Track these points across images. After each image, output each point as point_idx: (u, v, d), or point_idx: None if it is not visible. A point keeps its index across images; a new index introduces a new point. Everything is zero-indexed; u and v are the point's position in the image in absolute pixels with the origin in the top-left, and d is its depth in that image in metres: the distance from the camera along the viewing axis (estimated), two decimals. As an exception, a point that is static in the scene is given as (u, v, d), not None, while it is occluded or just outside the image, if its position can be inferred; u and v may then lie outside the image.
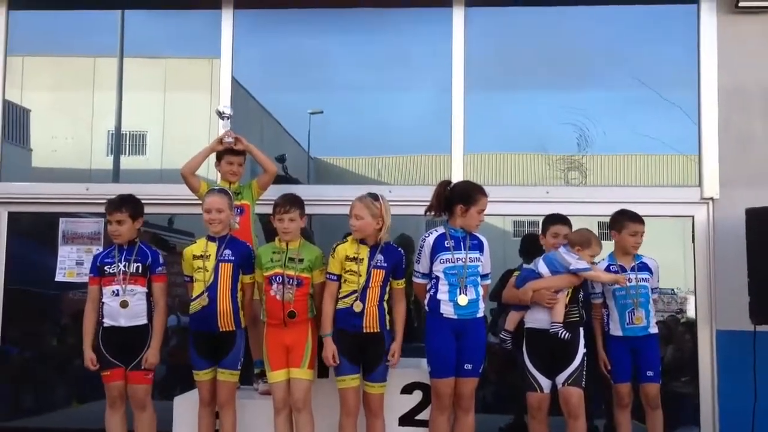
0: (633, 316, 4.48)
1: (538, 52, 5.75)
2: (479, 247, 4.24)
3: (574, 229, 4.52)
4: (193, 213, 5.25)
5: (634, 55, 5.66)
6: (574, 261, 4.29)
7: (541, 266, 4.37)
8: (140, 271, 4.37)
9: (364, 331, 4.11)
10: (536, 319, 4.35)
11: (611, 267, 4.59)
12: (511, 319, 4.46)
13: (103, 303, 4.34)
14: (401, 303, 4.23)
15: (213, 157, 4.92)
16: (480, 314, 4.20)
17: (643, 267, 4.59)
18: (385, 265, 4.15)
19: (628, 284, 4.49)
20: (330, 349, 4.12)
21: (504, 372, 5.88)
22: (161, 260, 4.44)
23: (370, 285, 4.12)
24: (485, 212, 4.27)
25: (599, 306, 4.64)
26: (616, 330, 4.54)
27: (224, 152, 4.81)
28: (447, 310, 4.14)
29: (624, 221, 4.60)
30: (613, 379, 4.58)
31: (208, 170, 5.22)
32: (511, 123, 5.81)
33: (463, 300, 4.12)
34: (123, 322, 4.30)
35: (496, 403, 5.85)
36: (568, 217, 4.59)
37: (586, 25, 5.77)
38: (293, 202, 4.22)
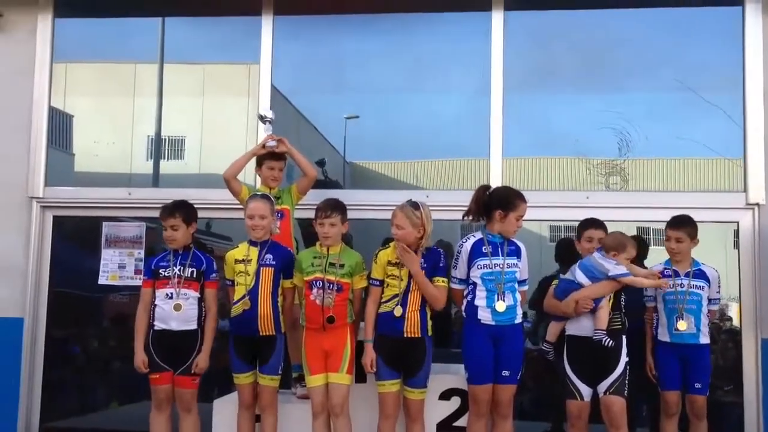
0: (677, 322, 4.40)
1: (578, 54, 5.69)
2: (517, 252, 4.22)
3: (609, 232, 4.46)
4: (231, 218, 5.34)
5: (677, 57, 5.58)
6: (612, 267, 4.23)
7: (579, 275, 4.30)
8: (194, 276, 4.41)
9: (405, 335, 4.11)
10: (578, 327, 4.29)
11: (665, 271, 4.52)
12: (552, 331, 4.41)
13: (155, 306, 4.39)
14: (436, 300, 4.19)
15: (253, 162, 4.96)
16: (518, 320, 4.18)
17: (700, 274, 4.50)
18: (425, 266, 4.15)
19: (669, 288, 4.40)
20: (369, 355, 4.13)
21: (542, 379, 5.83)
22: (215, 267, 4.47)
23: (411, 289, 4.12)
24: (524, 218, 4.24)
25: (651, 309, 4.57)
26: (663, 335, 4.47)
27: (265, 157, 4.84)
28: (485, 316, 4.12)
29: (666, 226, 4.53)
30: (660, 386, 4.51)
31: (246, 176, 5.32)
32: (550, 127, 5.74)
33: (500, 306, 4.10)
34: (174, 326, 4.35)
35: (535, 410, 5.79)
36: (604, 222, 4.52)
37: (628, 28, 5.69)
38: (335, 207, 4.24)
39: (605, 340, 4.14)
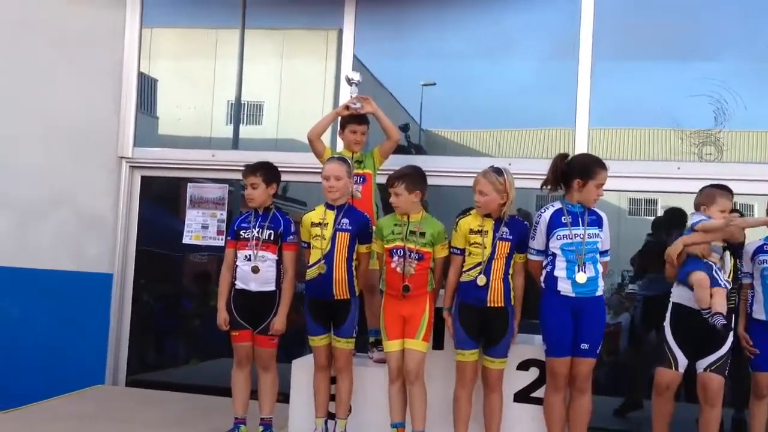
0: None
1: (672, 18, 5.40)
2: (598, 222, 4.08)
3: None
4: (308, 181, 5.38)
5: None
6: (691, 220, 4.09)
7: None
8: (272, 238, 4.44)
9: (489, 305, 4.07)
10: (687, 297, 4.10)
11: (765, 246, 4.31)
12: (703, 296, 3.94)
13: (236, 266, 4.46)
14: (521, 277, 4.16)
15: (334, 126, 4.96)
16: (599, 292, 4.06)
17: None
18: (511, 237, 4.08)
19: None
20: (448, 323, 4.15)
21: (618, 353, 5.72)
22: (293, 228, 4.47)
23: (495, 257, 4.06)
24: (606, 187, 4.10)
25: (747, 286, 4.37)
26: (759, 313, 4.26)
27: (348, 120, 4.82)
28: (564, 287, 4.03)
29: None
30: (751, 366, 4.32)
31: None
32: (640, 96, 5.48)
33: (581, 278, 3.99)
34: (253, 287, 4.41)
35: (610, 384, 5.68)
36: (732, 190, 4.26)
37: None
38: (399, 176, 4.18)
39: (719, 323, 3.88)
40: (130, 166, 6.11)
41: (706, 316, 3.92)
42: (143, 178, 6.13)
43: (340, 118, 4.92)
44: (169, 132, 6.53)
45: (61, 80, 6.23)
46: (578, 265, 4.00)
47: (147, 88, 6.45)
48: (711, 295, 3.93)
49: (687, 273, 4.04)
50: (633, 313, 5.70)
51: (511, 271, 4.12)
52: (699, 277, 3.98)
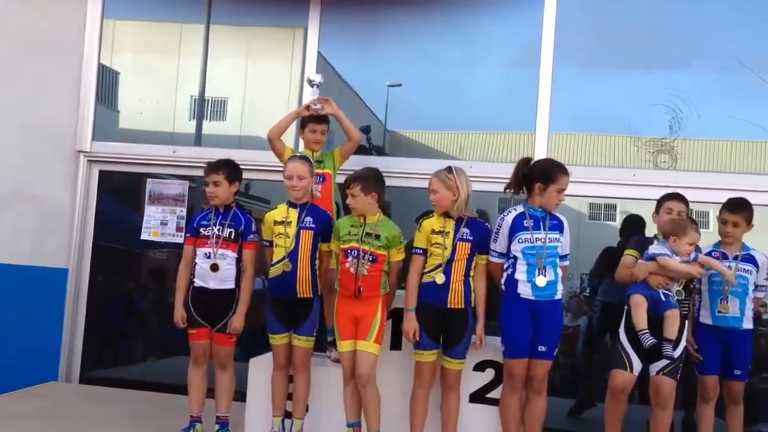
0: (721, 305, 4.31)
1: (631, 29, 5.51)
2: (559, 227, 4.15)
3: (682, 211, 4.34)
4: (271, 180, 5.37)
5: (736, 36, 5.38)
6: (654, 248, 4.15)
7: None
8: (233, 236, 4.41)
9: (449, 306, 4.09)
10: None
11: (713, 253, 4.41)
12: (640, 317, 4.09)
13: (195, 264, 4.42)
14: (483, 281, 4.17)
15: (296, 125, 4.95)
16: (558, 296, 4.13)
17: (749, 259, 4.38)
18: (471, 238, 4.12)
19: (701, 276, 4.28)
20: (412, 325, 4.11)
21: (573, 355, 5.82)
22: (254, 228, 4.46)
23: (455, 258, 4.09)
24: (566, 192, 4.16)
25: (695, 291, 4.46)
26: (705, 317, 4.38)
27: (309, 120, 4.83)
28: (525, 290, 4.08)
29: (721, 209, 4.42)
30: (698, 370, 4.42)
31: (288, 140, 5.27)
32: (599, 103, 5.60)
33: (541, 281, 4.05)
34: (212, 285, 4.38)
35: (565, 386, 5.78)
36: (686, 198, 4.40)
37: (685, 3, 5.52)
38: (355, 178, 4.19)
39: (665, 349, 4.03)
40: (88, 160, 6.02)
41: (643, 336, 4.02)
42: (101, 172, 6.05)
43: (300, 117, 4.92)
44: (131, 126, 6.44)
45: (20, 73, 6.10)
46: (539, 269, 4.06)
47: (108, 81, 6.36)
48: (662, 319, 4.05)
49: (630, 294, 4.16)
50: (591, 317, 5.81)
51: (472, 273, 4.15)
52: (636, 300, 4.11)
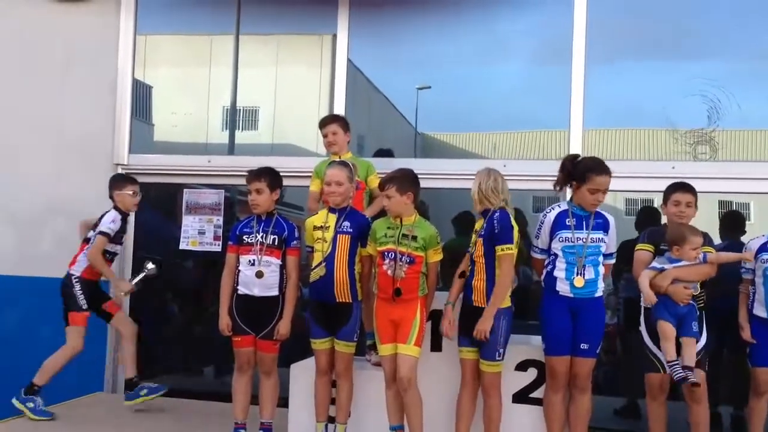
0: None
1: (665, 19, 5.43)
2: (604, 227, 4.09)
3: (698, 199, 4.29)
4: (305, 186, 5.40)
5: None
6: (656, 264, 4.12)
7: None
8: (276, 243, 4.43)
9: (474, 304, 4.08)
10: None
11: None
12: (669, 349, 4.00)
13: (239, 271, 4.45)
14: (500, 275, 4.01)
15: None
16: (598, 294, 4.07)
17: None
18: (483, 233, 4.06)
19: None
20: (447, 317, 4.11)
21: (619, 353, 5.72)
22: (297, 234, 4.48)
23: (475, 257, 4.08)
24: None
25: (747, 282, 4.40)
26: (759, 310, 4.29)
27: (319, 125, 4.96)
28: (563, 288, 4.05)
29: None
30: (751, 362, 4.34)
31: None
32: (634, 96, 5.52)
33: (579, 282, 4.01)
34: (257, 292, 4.40)
35: (610, 384, 5.69)
36: (694, 188, 4.30)
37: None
38: (389, 179, 4.19)
39: (690, 379, 3.94)
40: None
41: (673, 368, 3.96)
42: (139, 185, 6.12)
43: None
44: (165, 138, 6.54)
45: (57, 90, 6.23)
46: (577, 268, 4.02)
47: (142, 95, 6.46)
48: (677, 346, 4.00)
49: (656, 319, 4.08)
50: (620, 313, 5.71)
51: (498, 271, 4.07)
52: (664, 329, 4.03)
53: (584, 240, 4.03)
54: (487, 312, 3.97)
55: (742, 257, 4.28)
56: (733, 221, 5.21)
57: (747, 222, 5.22)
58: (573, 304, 4.03)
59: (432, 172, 5.35)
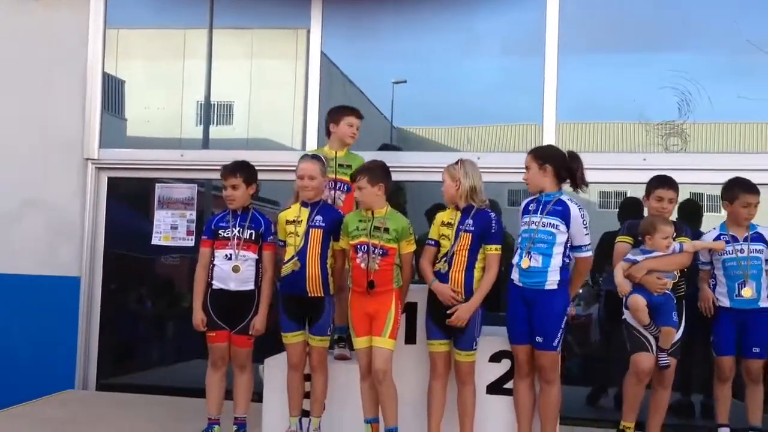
0: (741, 288, 4.29)
1: (637, 12, 5.49)
2: (561, 214, 3.99)
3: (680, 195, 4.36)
4: (282, 179, 5.38)
5: (746, 16, 5.33)
6: (629, 258, 4.17)
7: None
8: (253, 237, 4.41)
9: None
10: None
11: (722, 236, 4.40)
12: (642, 318, 4.11)
13: (213, 265, 4.41)
14: (490, 270, 4.06)
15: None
16: (550, 286, 3.97)
17: (758, 238, 4.37)
18: (473, 228, 4.06)
19: (729, 255, 4.29)
20: (445, 289, 4.02)
21: (594, 345, 5.77)
22: (273, 229, 4.45)
23: (456, 249, 4.06)
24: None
25: (706, 273, 4.48)
26: (723, 301, 4.37)
27: (346, 113, 4.73)
28: (515, 275, 4.06)
29: (736, 191, 4.37)
30: (715, 351, 4.42)
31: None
32: (606, 89, 5.56)
33: (524, 263, 3.98)
34: (232, 286, 4.37)
35: (580, 375, 5.74)
36: (677, 183, 4.34)
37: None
38: (360, 170, 4.19)
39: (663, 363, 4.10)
40: (96, 168, 6.05)
41: (650, 329, 4.09)
42: (110, 179, 6.08)
43: (333, 110, 4.82)
44: (139, 133, 6.46)
45: (24, 82, 6.13)
46: (526, 252, 4.00)
47: (114, 89, 6.38)
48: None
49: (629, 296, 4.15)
50: (597, 306, 5.75)
51: (480, 264, 4.09)
52: (635, 300, 4.11)
53: (537, 224, 4.02)
54: (474, 301, 4.00)
55: (716, 246, 4.31)
56: (690, 210, 5.29)
57: (716, 214, 5.28)
58: (524, 294, 4.01)
59: (407, 165, 5.37)
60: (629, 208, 5.20)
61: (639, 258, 4.15)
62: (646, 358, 4.14)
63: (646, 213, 4.43)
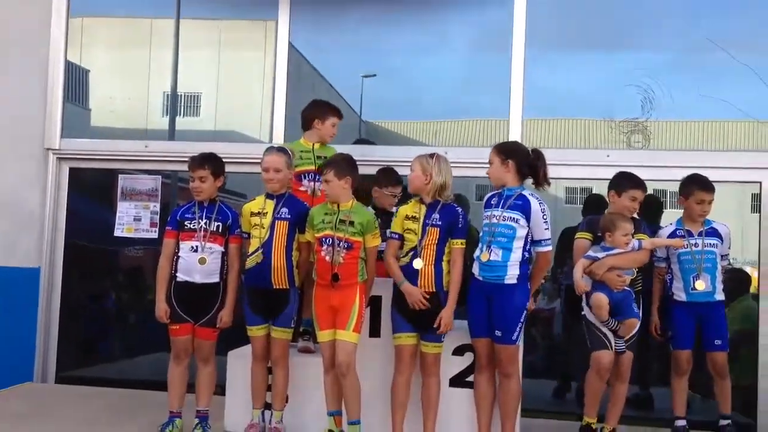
0: (695, 282, 4.37)
1: (602, 11, 5.56)
2: (522, 208, 4.02)
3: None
4: (249, 172, 5.34)
5: (708, 15, 5.44)
6: (590, 254, 4.21)
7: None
8: (220, 230, 4.38)
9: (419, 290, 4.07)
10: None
11: (678, 231, 4.48)
12: (603, 315, 4.19)
13: (178, 257, 4.36)
14: (456, 264, 4.10)
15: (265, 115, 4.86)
16: (509, 280, 3.99)
17: (712, 233, 4.46)
18: (440, 223, 4.08)
19: (685, 248, 4.38)
20: (415, 292, 4.03)
21: (556, 338, 5.84)
22: (240, 222, 4.42)
23: (424, 243, 4.07)
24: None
25: (662, 270, 4.55)
26: (680, 295, 4.44)
27: (331, 114, 4.77)
28: (475, 269, 4.09)
29: (692, 188, 4.45)
30: (672, 345, 4.50)
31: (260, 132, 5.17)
32: (573, 86, 5.63)
33: (484, 256, 4.01)
34: (198, 278, 4.33)
35: (542, 368, 5.81)
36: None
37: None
38: (328, 164, 4.20)
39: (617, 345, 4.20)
40: (57, 158, 5.95)
41: (608, 323, 4.18)
42: (72, 170, 5.98)
43: (322, 106, 4.83)
44: (103, 124, 6.37)
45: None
46: (486, 246, 4.04)
47: (78, 79, 6.28)
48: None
49: (592, 294, 4.20)
50: (562, 300, 5.82)
51: (447, 257, 4.12)
52: (599, 299, 4.16)
53: (498, 218, 4.05)
54: (451, 301, 4.06)
55: (674, 243, 4.38)
56: (650, 206, 5.32)
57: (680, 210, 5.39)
58: (484, 287, 4.04)
59: (375, 158, 5.37)
60: (592, 205, 5.26)
61: (600, 255, 4.20)
62: (606, 355, 4.21)
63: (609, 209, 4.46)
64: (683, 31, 5.50)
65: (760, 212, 5.13)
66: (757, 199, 5.13)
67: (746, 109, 5.30)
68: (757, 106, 5.21)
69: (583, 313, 4.35)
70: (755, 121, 5.30)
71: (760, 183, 5.11)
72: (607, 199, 4.51)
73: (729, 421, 4.45)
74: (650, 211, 5.19)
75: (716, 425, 4.48)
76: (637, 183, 4.38)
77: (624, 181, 4.39)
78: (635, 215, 4.40)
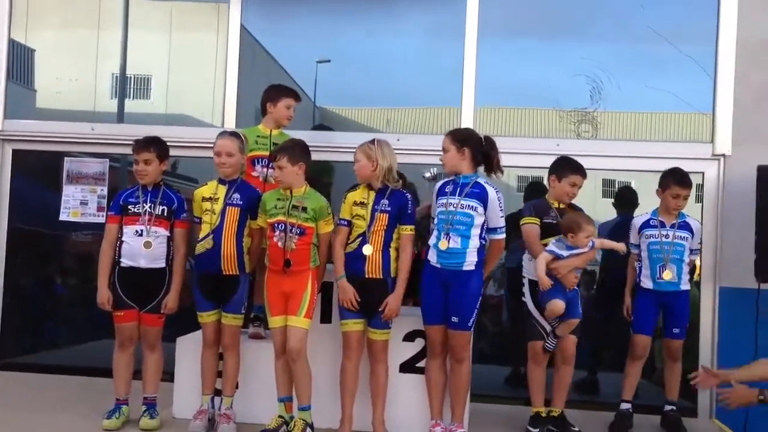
0: (662, 271, 4.46)
1: (554, 1, 5.63)
2: (479, 196, 4.08)
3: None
4: (198, 156, 5.27)
5: (653, 6, 5.50)
6: (552, 248, 4.25)
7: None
8: (165, 214, 4.31)
9: (366, 276, 4.09)
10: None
11: (651, 221, 4.55)
12: (570, 327, 4.29)
13: (122, 242, 4.28)
14: (405, 251, 4.14)
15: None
16: (468, 267, 4.04)
17: (684, 226, 4.54)
18: (389, 209, 4.10)
19: (655, 239, 4.48)
20: (348, 291, 4.08)
21: (505, 323, 5.93)
22: (186, 206, 4.37)
23: (372, 229, 4.08)
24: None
25: (634, 257, 4.63)
26: (646, 282, 4.53)
27: (285, 94, 4.71)
28: (432, 257, 4.11)
29: (669, 182, 4.51)
30: (633, 328, 4.57)
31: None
32: (524, 75, 5.67)
33: (443, 244, 4.03)
34: (143, 264, 4.26)
35: (501, 354, 5.89)
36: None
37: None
38: (281, 149, 4.17)
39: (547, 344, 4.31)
40: (0, 139, 5.76)
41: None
42: (15, 151, 5.81)
43: (273, 89, 4.77)
44: (49, 105, 6.20)
45: None
46: (444, 234, 4.06)
47: (23, 58, 6.10)
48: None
49: (551, 299, 4.23)
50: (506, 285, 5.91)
51: (394, 244, 4.14)
52: (558, 306, 4.21)
53: (455, 206, 4.08)
54: (399, 288, 4.08)
55: (617, 247, 4.37)
56: (625, 197, 5.55)
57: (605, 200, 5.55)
58: (441, 274, 4.07)
59: (326, 145, 5.35)
60: (535, 192, 5.30)
61: (564, 253, 4.21)
62: (540, 345, 4.34)
63: (549, 196, 4.49)
64: (629, 22, 5.58)
65: (702, 202, 5.28)
66: (700, 189, 5.28)
67: (690, 100, 5.43)
68: (701, 97, 5.33)
69: (524, 299, 4.42)
70: (699, 113, 5.43)
71: (703, 173, 5.25)
72: (546, 185, 4.57)
73: (674, 407, 4.55)
74: (625, 201, 5.45)
75: (661, 410, 4.60)
76: (577, 168, 4.41)
77: (564, 166, 4.44)
78: (573, 202, 4.45)
